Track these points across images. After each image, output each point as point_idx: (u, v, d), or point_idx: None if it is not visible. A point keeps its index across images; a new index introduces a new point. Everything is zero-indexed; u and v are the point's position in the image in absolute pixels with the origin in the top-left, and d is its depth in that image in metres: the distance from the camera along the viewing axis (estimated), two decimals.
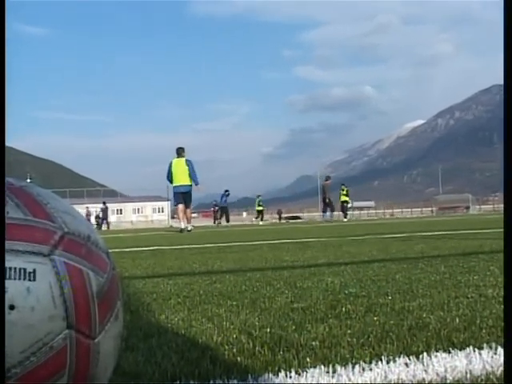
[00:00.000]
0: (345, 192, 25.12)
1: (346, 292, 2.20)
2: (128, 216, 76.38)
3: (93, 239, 0.84)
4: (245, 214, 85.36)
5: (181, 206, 13.43)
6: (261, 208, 31.71)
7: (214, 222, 34.60)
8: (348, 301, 1.98)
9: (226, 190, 27.83)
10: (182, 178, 13.22)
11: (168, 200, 75.59)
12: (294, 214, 61.85)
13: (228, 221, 26.47)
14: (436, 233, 7.42)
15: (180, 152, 13.48)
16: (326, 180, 24.34)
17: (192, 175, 13.20)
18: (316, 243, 5.84)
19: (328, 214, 23.56)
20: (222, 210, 28.14)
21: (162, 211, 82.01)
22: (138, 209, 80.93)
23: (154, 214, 79.94)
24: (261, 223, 26.91)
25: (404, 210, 57.02)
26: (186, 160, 13.34)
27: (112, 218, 74.31)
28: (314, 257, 4.02)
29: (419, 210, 55.76)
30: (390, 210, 57.87)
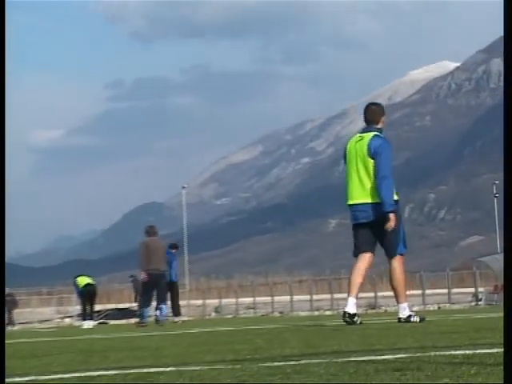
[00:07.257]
0: None
1: None
2: None
3: None
4: None
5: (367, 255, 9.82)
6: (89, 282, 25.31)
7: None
8: None
9: (174, 245, 22.93)
10: (354, 188, 9.86)
11: None
12: (117, 306, 43.34)
13: (178, 313, 23.11)
14: None
15: (370, 117, 10.16)
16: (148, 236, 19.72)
17: (380, 183, 9.55)
18: None
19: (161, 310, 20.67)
20: (167, 287, 21.10)
21: None
22: None
23: None
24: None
25: None
26: (373, 135, 9.83)
27: None
28: None
29: None
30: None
